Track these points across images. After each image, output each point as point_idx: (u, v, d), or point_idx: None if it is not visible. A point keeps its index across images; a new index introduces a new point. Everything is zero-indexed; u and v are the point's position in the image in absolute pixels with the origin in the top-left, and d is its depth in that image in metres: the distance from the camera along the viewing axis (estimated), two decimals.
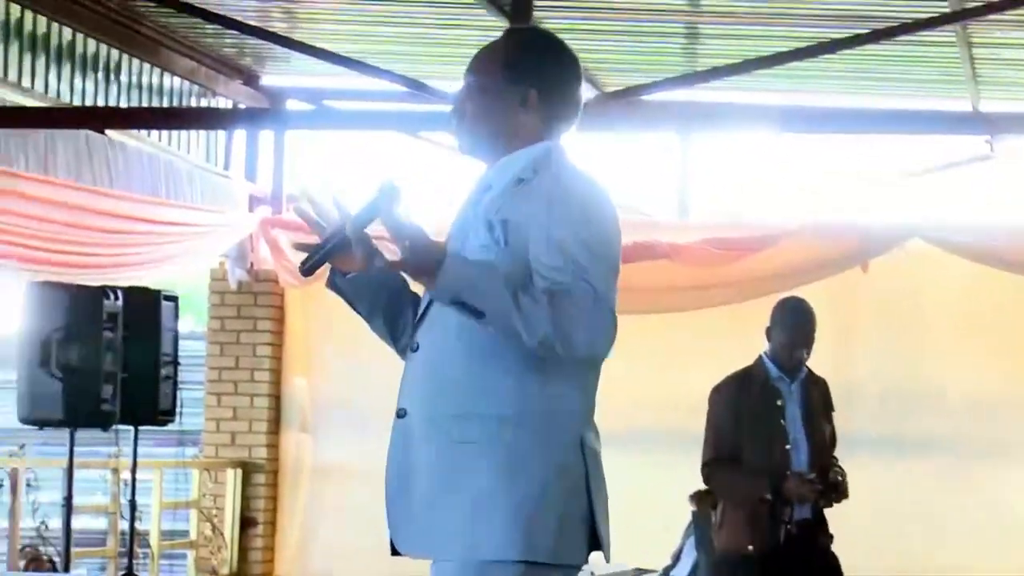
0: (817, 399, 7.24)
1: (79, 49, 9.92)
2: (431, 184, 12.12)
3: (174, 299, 8.94)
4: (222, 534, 11.11)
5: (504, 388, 3.62)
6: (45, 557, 9.71)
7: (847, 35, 9.27)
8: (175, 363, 8.85)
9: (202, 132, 11.38)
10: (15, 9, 9.34)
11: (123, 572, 9.28)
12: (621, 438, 10.64)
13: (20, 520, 9.16)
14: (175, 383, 8.86)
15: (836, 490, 7.08)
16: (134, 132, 10.44)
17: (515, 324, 3.52)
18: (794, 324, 7.18)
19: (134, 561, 9.34)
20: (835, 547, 7.22)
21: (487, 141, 3.78)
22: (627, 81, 10.58)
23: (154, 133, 10.74)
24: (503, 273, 3.55)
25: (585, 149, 12.94)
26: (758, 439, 7.08)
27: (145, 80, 10.61)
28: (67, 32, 9.77)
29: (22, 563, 9.40)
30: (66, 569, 8.42)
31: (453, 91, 10.56)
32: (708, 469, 7.27)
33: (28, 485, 9.29)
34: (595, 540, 3.71)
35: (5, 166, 8.83)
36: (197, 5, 9.71)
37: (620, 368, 10.86)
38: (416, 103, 10.61)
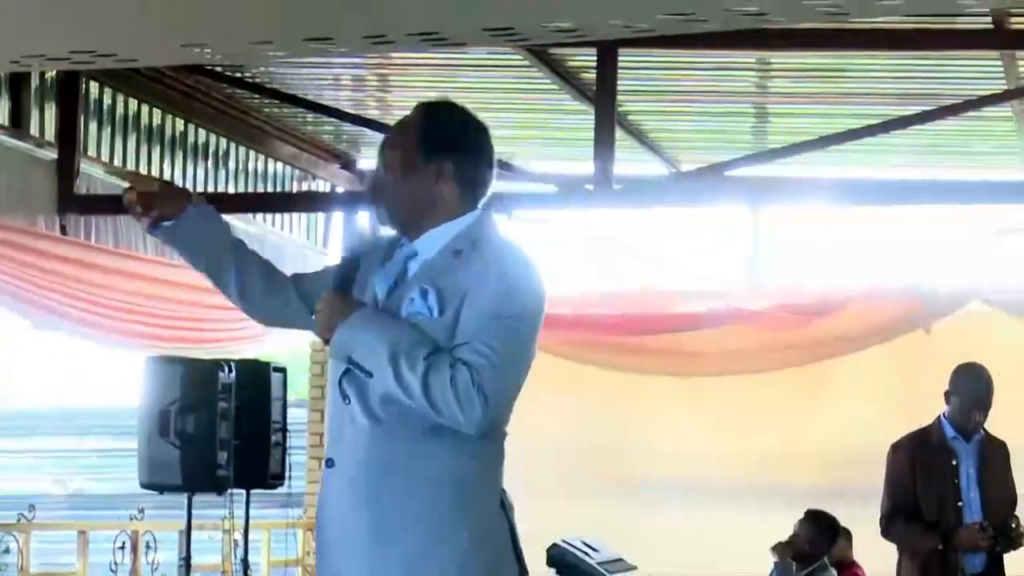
0: (994, 460, 7.27)
1: (191, 139, 10.17)
2: None
3: (282, 370, 9.07)
4: None
5: (437, 451, 3.61)
6: None
7: (911, 112, 9.37)
8: (284, 430, 8.96)
9: (304, 213, 11.60)
10: (132, 103, 9.61)
11: None
12: (706, 493, 10.74)
13: None
14: (284, 449, 8.98)
15: (1008, 538, 7.09)
16: (241, 215, 10.67)
17: (393, 388, 3.57)
18: (970, 389, 7.24)
19: None
20: None
21: (406, 213, 3.76)
22: (701, 158, 10.71)
23: (259, 215, 10.96)
24: (391, 338, 3.57)
25: (660, 221, 13.11)
26: (932, 495, 7.13)
27: (251, 166, 10.84)
28: (179, 123, 10.03)
29: None
30: None
31: (540, 171, 10.73)
32: (885, 522, 7.32)
33: (147, 546, 9.41)
34: None
35: (127, 249, 9.09)
36: (299, 96, 9.95)
37: (701, 427, 11.00)
38: (504, 182, 10.80)
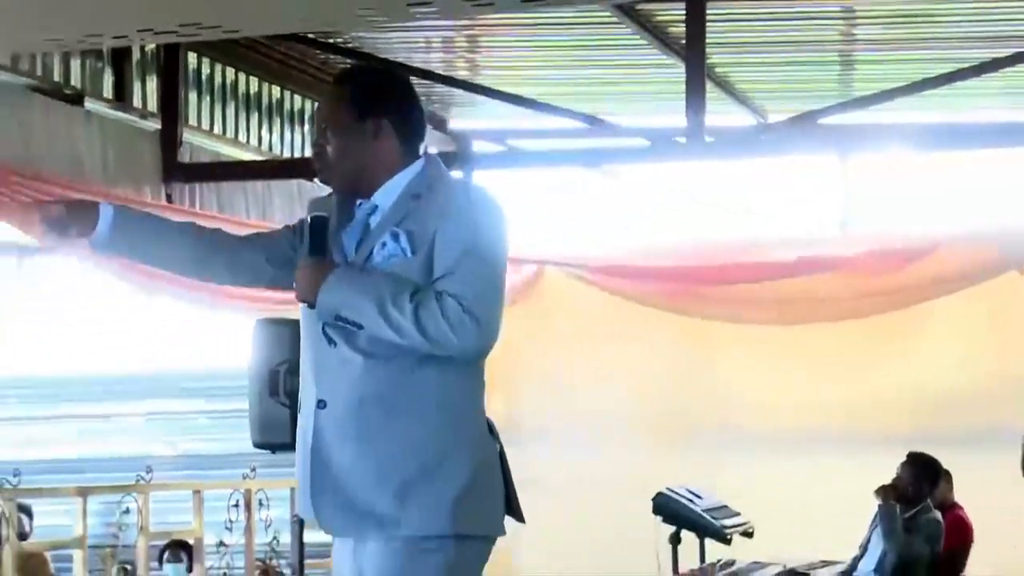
0: None
1: (287, 105, 10.32)
2: (611, 211, 12.33)
3: None
4: None
5: (432, 377, 3.72)
6: (277, 570, 9.98)
7: (1002, 55, 9.31)
8: None
9: None
10: (230, 73, 9.76)
11: None
12: (800, 440, 10.77)
13: (255, 536, 9.47)
14: None
15: None
16: None
17: (387, 334, 3.66)
18: None
19: None
20: None
21: (352, 176, 3.85)
22: (789, 108, 10.72)
23: None
24: (374, 289, 3.69)
25: (748, 173, 13.09)
26: None
27: None
28: (276, 90, 10.17)
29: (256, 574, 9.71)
30: None
31: (630, 125, 10.67)
32: None
33: (260, 504, 9.53)
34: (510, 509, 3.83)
35: (231, 215, 9.24)
36: (391, 60, 10.05)
37: (795, 375, 10.99)
38: (594, 138, 10.84)
